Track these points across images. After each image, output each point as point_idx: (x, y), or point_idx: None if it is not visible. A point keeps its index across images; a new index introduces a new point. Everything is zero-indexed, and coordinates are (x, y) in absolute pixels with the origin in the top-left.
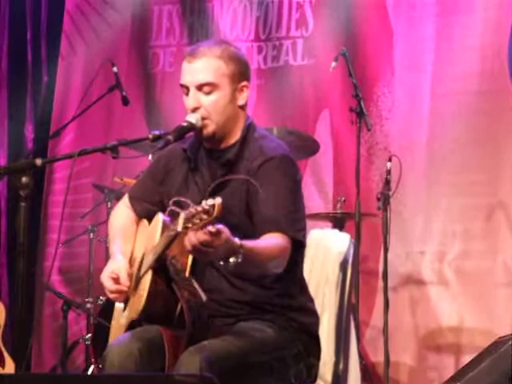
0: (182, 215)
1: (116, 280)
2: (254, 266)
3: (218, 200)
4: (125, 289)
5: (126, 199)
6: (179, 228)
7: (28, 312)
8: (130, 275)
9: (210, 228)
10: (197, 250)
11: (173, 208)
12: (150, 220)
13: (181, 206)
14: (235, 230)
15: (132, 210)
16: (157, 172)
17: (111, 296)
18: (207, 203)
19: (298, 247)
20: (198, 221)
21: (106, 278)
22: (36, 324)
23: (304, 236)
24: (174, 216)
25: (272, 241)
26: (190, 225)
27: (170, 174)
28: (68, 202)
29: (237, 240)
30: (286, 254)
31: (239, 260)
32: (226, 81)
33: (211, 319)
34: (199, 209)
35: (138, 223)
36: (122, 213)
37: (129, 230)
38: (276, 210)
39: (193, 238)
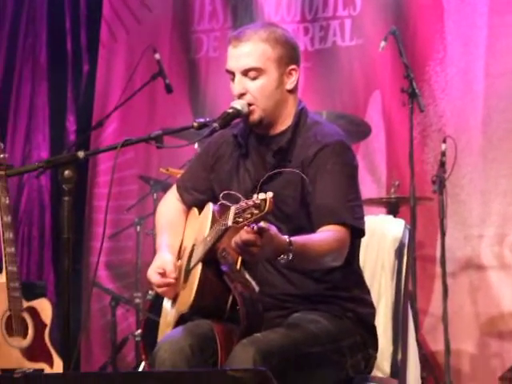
0: (233, 209)
1: (163, 274)
2: (307, 262)
3: (270, 194)
4: (172, 281)
5: (174, 189)
6: (229, 222)
7: (75, 309)
8: (178, 267)
9: (254, 226)
10: (241, 250)
11: (223, 202)
12: (200, 208)
13: (231, 198)
14: (290, 221)
15: (181, 201)
16: (206, 159)
17: (160, 291)
18: (258, 197)
19: (356, 236)
20: (249, 215)
21: (152, 274)
22: (84, 321)
23: (364, 224)
24: (224, 208)
25: (328, 234)
26: (240, 219)
27: (220, 160)
28: (113, 194)
29: (285, 237)
30: (344, 245)
31: (290, 257)
32: (273, 65)
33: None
34: (250, 203)
35: (187, 213)
36: (170, 204)
37: (177, 222)
38: (335, 200)
39: (236, 237)
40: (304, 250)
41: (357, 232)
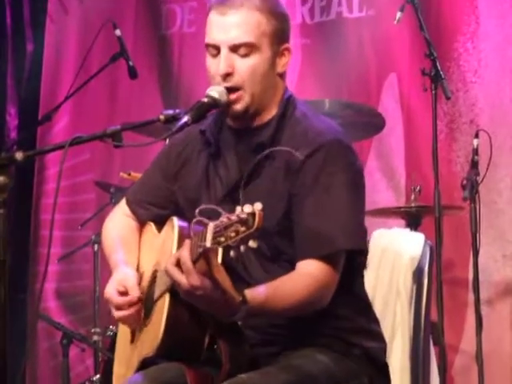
0: (211, 227)
1: (125, 294)
2: (271, 316)
3: (258, 206)
4: (135, 299)
5: (122, 204)
6: (208, 243)
7: (17, 348)
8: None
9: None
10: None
11: (200, 218)
12: (159, 224)
13: (209, 214)
14: (273, 239)
15: (132, 218)
16: (167, 165)
17: (120, 314)
18: (244, 211)
19: (355, 256)
20: (233, 234)
21: (112, 292)
22: (28, 364)
23: (366, 242)
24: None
25: (303, 279)
26: (222, 239)
27: (187, 165)
28: (65, 205)
29: (237, 297)
30: (326, 288)
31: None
32: (267, 41)
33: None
34: (234, 218)
35: (140, 231)
36: (118, 223)
37: (130, 239)
38: (333, 224)
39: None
40: (264, 308)
41: (355, 253)
